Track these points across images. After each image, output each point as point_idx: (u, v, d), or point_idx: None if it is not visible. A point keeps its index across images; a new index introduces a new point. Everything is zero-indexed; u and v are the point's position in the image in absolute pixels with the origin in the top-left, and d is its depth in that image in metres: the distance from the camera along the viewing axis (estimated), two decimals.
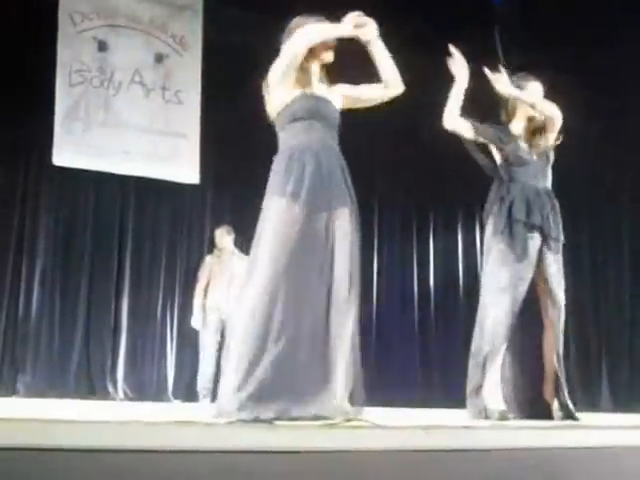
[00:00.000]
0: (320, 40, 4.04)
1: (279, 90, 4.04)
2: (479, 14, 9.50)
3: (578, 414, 5.19)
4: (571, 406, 5.15)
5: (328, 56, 4.15)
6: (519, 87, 5.37)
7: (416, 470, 2.65)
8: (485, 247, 5.40)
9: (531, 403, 5.29)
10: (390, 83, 4.19)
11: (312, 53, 4.08)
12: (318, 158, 3.97)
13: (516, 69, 5.66)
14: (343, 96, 4.24)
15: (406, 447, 2.69)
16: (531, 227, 5.20)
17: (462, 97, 5.36)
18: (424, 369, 11.26)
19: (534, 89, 5.42)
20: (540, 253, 5.21)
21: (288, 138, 4.03)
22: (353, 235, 4.07)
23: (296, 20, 4.13)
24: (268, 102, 4.13)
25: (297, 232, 3.85)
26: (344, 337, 3.97)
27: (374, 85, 4.23)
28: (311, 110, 4.05)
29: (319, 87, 4.15)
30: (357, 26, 4.10)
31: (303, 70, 4.08)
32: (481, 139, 5.41)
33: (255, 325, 3.74)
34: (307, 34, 4.01)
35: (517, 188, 5.28)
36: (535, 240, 5.20)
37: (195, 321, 9.09)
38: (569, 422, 4.95)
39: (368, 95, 4.28)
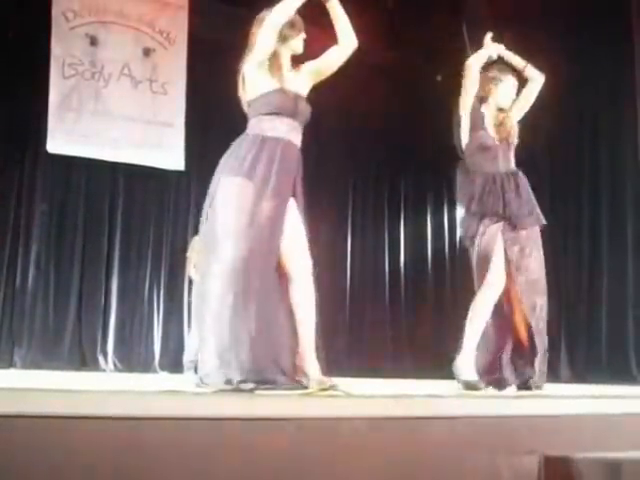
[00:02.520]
0: (285, 16, 4.03)
1: (255, 78, 4.04)
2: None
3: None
4: (531, 376, 5.14)
5: (297, 45, 4.17)
6: (497, 79, 5.35)
7: (386, 436, 2.65)
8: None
9: (494, 372, 5.29)
10: (344, 40, 4.17)
11: (283, 41, 4.09)
12: (284, 150, 4.00)
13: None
14: (309, 75, 4.23)
15: (377, 415, 2.69)
16: (483, 215, 5.20)
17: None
18: (394, 342, 11.27)
19: (510, 82, 5.40)
20: (503, 234, 5.19)
21: (259, 127, 4.03)
22: (302, 225, 4.08)
23: (265, 11, 4.12)
24: (242, 88, 4.13)
25: (259, 213, 3.85)
26: (308, 311, 3.97)
27: (329, 50, 4.21)
28: (286, 107, 4.07)
29: (289, 77, 4.15)
30: None
31: (276, 58, 4.09)
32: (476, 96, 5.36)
33: (228, 302, 3.73)
34: (271, 17, 4.01)
35: (479, 177, 5.28)
36: (491, 225, 5.19)
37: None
38: (529, 392, 4.96)
39: (328, 61, 4.24)
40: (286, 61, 4.17)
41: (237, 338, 3.68)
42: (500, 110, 5.37)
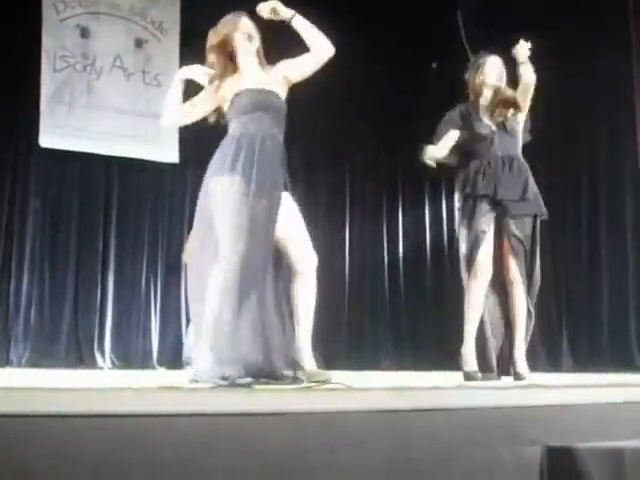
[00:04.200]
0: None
1: (225, 82, 4.13)
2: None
3: (540, 375, 5.22)
4: (520, 366, 5.16)
5: (244, 43, 4.22)
6: (479, 65, 5.36)
7: (387, 429, 2.66)
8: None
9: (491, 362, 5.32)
10: (317, 50, 4.18)
11: (226, 46, 4.21)
12: (264, 145, 4.04)
13: (480, 51, 5.62)
14: (284, 77, 4.27)
15: (377, 408, 2.71)
16: (476, 198, 5.23)
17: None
18: (394, 334, 11.29)
19: (494, 62, 5.39)
20: (498, 220, 5.21)
21: (238, 127, 4.09)
22: (301, 218, 4.16)
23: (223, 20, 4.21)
24: (218, 94, 4.20)
25: (250, 209, 3.88)
26: (310, 305, 4.00)
27: (303, 57, 4.23)
28: (259, 104, 4.13)
29: (260, 75, 4.22)
30: (272, 12, 4.15)
31: (236, 60, 4.21)
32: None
33: (226, 301, 3.76)
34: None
35: (474, 161, 5.30)
36: (485, 211, 5.21)
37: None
38: (528, 382, 4.98)
39: (300, 68, 4.25)
40: (251, 59, 4.24)
41: (233, 334, 3.70)
42: (495, 93, 5.37)
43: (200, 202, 4.09)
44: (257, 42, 4.25)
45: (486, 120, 5.33)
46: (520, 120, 5.37)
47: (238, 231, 3.84)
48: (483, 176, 5.22)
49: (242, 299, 3.76)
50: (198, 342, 3.86)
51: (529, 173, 5.28)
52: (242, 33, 4.21)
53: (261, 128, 4.07)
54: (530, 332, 5.28)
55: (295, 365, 3.80)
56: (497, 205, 5.20)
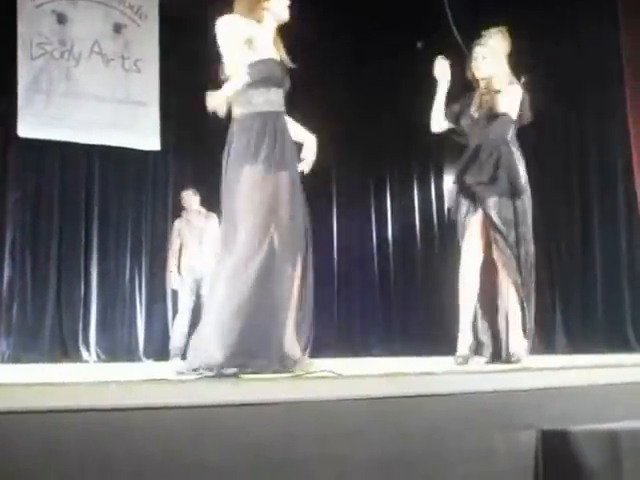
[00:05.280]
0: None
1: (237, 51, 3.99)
2: None
3: (534, 357, 5.25)
4: (513, 348, 5.19)
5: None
6: (485, 44, 5.41)
7: (380, 416, 2.66)
8: None
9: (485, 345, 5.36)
10: None
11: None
12: (277, 123, 3.98)
13: (468, 36, 5.68)
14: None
15: (369, 395, 2.71)
16: (462, 185, 5.33)
17: (444, 99, 5.50)
18: (385, 321, 11.30)
19: (483, 54, 5.43)
20: (482, 204, 5.27)
21: (251, 101, 3.97)
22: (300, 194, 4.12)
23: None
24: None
25: (269, 197, 3.87)
26: (309, 294, 4.01)
27: None
28: (277, 76, 4.03)
29: (267, 46, 4.08)
30: None
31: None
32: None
33: (235, 293, 3.76)
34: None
35: (467, 150, 5.41)
36: (469, 197, 5.31)
37: (174, 283, 9.04)
38: (520, 365, 5.00)
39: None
40: (269, 31, 4.09)
41: (230, 321, 3.70)
42: (483, 80, 5.44)
43: (223, 191, 4.01)
44: None
45: (472, 109, 5.42)
46: (511, 105, 5.40)
47: (258, 225, 3.83)
48: (471, 164, 5.34)
49: (250, 296, 3.76)
50: (201, 332, 3.86)
51: (516, 157, 5.34)
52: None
53: (276, 105, 4.02)
54: (531, 314, 5.31)
55: (283, 354, 3.80)
56: (472, 191, 5.31)
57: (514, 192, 5.28)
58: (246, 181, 3.88)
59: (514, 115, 5.39)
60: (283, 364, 3.72)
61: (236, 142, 3.95)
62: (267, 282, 3.82)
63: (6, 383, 2.93)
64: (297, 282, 4.00)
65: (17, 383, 2.83)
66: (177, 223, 9.21)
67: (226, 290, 3.80)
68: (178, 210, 9.35)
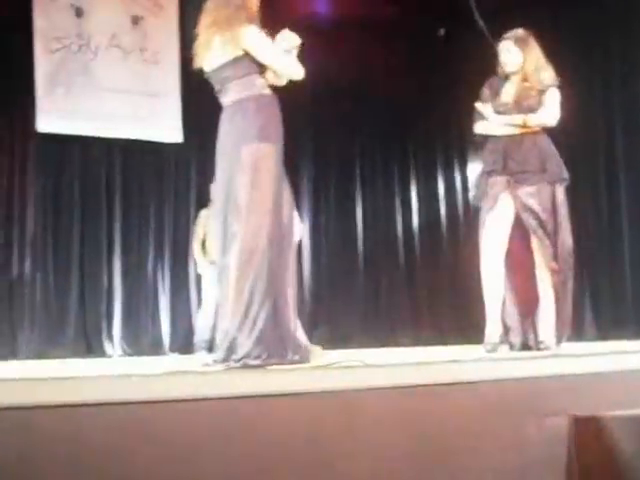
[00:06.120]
0: None
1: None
2: None
3: (564, 344, 5.23)
4: (543, 335, 5.18)
5: None
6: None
7: (408, 405, 2.66)
8: None
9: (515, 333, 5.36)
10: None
11: None
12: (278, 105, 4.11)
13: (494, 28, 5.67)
14: None
15: (396, 384, 2.70)
16: (490, 173, 5.31)
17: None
18: (411, 310, 11.28)
19: (509, 49, 5.43)
20: (514, 192, 5.25)
21: (255, 83, 4.05)
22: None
23: None
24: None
25: (281, 175, 3.91)
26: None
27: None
28: None
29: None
30: None
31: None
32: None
33: (252, 275, 3.77)
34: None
35: (493, 140, 5.38)
36: (500, 184, 5.28)
37: (201, 269, 9.04)
38: (551, 352, 4.99)
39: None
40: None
41: (249, 311, 3.71)
42: (514, 75, 5.44)
43: (232, 171, 4.04)
44: None
45: (506, 96, 5.39)
46: (551, 92, 5.39)
47: (275, 202, 3.86)
48: (494, 152, 5.32)
49: (263, 274, 3.78)
50: (219, 322, 3.89)
51: (548, 145, 5.33)
52: None
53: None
54: (567, 302, 5.30)
55: (298, 343, 3.83)
56: (507, 179, 5.28)
57: (556, 180, 5.27)
58: (264, 156, 3.95)
59: (551, 111, 5.39)
60: (299, 354, 3.74)
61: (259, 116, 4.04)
62: (277, 270, 3.84)
63: (26, 378, 2.94)
64: (294, 268, 4.05)
65: (37, 378, 2.84)
66: (204, 212, 9.21)
67: (243, 280, 3.82)
68: (201, 201, 9.36)
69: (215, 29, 4.17)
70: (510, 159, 5.28)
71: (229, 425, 2.32)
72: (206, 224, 9.01)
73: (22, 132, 9.81)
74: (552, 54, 5.51)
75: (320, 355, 3.81)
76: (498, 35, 5.56)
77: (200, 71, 4.36)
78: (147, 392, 2.31)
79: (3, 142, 9.75)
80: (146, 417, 2.21)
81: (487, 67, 5.61)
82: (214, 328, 8.08)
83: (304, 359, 3.75)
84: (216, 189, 4.15)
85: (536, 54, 5.41)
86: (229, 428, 2.31)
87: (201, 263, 8.97)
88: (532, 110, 5.34)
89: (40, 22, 9.76)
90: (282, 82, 4.21)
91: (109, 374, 3.44)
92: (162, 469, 2.16)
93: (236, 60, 4.09)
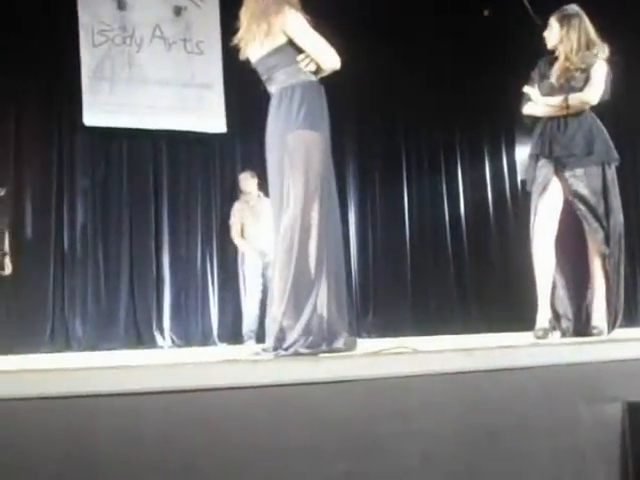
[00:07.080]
0: None
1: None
2: None
3: (616, 330, 5.19)
4: (596, 321, 5.14)
5: None
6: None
7: (458, 392, 2.66)
8: None
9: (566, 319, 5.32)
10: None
11: None
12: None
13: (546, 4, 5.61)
14: None
15: (447, 370, 2.71)
16: (537, 157, 5.26)
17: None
18: (460, 298, 11.25)
19: (551, 25, 5.37)
20: (562, 176, 5.20)
21: (302, 70, 4.07)
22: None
23: None
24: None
25: (328, 163, 3.93)
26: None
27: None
28: None
29: None
30: None
31: None
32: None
33: (298, 263, 3.79)
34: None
35: (542, 122, 5.33)
36: (547, 168, 5.22)
37: (243, 262, 9.12)
38: (604, 337, 4.95)
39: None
40: None
41: (300, 301, 3.74)
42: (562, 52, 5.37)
43: (280, 158, 4.07)
44: None
45: (553, 78, 5.33)
46: (595, 69, 5.30)
47: (322, 190, 3.89)
48: (546, 136, 5.26)
49: (312, 269, 3.81)
50: (270, 311, 3.91)
51: (595, 127, 5.26)
52: None
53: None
54: (620, 286, 5.24)
55: (347, 332, 3.85)
56: (555, 163, 5.22)
57: (607, 161, 5.21)
58: (313, 144, 3.96)
59: (593, 89, 5.31)
60: (347, 343, 3.76)
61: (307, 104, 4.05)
62: (324, 258, 3.86)
63: (83, 367, 2.98)
64: (341, 257, 4.06)
65: (94, 367, 2.88)
66: (237, 205, 9.27)
67: (286, 269, 3.84)
68: (239, 192, 9.42)
69: (257, 17, 4.17)
70: (555, 142, 5.21)
71: (282, 412, 2.34)
72: (242, 215, 9.07)
73: (69, 126, 9.91)
74: (604, 29, 5.41)
75: (354, 345, 3.83)
76: (550, 12, 5.47)
77: (246, 62, 4.36)
78: (199, 380, 2.33)
79: (52, 136, 9.86)
80: (199, 405, 2.24)
81: (536, 48, 5.55)
82: (261, 317, 8.17)
83: (351, 347, 3.77)
84: (269, 177, 4.18)
85: (580, 32, 5.31)
86: (282, 415, 2.33)
87: (244, 249, 9.03)
88: (575, 90, 5.27)
89: (84, 16, 9.85)
90: (319, 72, 4.18)
91: (165, 363, 3.47)
92: (217, 456, 2.19)
93: (280, 48, 4.09)
